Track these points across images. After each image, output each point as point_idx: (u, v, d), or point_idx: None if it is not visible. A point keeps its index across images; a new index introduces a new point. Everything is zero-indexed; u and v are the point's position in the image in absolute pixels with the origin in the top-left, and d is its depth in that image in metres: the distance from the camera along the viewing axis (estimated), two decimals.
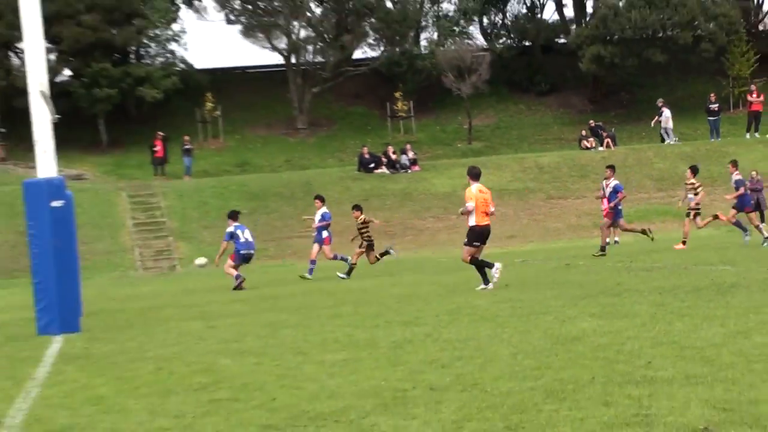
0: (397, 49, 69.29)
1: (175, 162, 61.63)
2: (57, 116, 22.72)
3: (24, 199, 22.08)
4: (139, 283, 40.15)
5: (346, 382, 11.44)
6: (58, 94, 49.73)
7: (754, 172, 48.73)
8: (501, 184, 54.00)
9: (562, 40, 73.01)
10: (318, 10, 69.86)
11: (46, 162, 21.95)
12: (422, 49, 71.61)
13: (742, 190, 31.53)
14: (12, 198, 48.06)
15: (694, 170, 35.22)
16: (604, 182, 34.65)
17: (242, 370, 13.19)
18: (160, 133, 61.43)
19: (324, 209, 35.92)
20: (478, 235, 25.01)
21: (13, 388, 13.09)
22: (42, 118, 21.96)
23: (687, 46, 63.86)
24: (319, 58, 69.79)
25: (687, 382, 9.68)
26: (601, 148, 59.35)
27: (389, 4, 71.67)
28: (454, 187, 52.55)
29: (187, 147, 61.47)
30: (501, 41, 74.61)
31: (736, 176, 32.82)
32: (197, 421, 9.71)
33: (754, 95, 59.72)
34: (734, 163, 32.94)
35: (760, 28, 73.75)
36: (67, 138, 52.01)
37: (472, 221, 24.95)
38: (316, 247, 35.32)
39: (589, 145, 60.21)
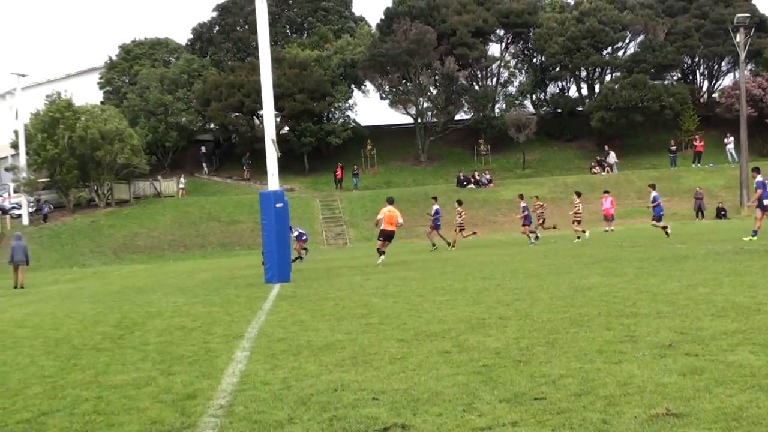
0: (481, 114, 71.49)
1: (347, 181, 64.31)
2: (280, 153, 24.45)
3: (259, 202, 23.13)
4: (325, 253, 41.72)
5: (448, 314, 11.83)
6: (280, 142, 54.86)
7: (698, 187, 52.20)
8: (543, 194, 53.88)
9: (580, 108, 73.91)
10: (434, 91, 70.98)
11: (273, 181, 23.27)
12: (496, 114, 73.44)
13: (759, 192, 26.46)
14: (252, 201, 51.65)
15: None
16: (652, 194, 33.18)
17: (386, 306, 13.59)
18: (340, 164, 64.60)
19: (437, 206, 37.22)
20: (384, 235, 27.86)
21: (250, 315, 13.72)
22: (271, 155, 23.44)
23: (656, 111, 66.26)
24: (434, 119, 71.42)
25: (658, 316, 10.02)
26: (603, 173, 62.03)
27: (477, 88, 73.74)
28: (513, 197, 52.28)
29: (355, 172, 64.47)
30: (543, 109, 76.60)
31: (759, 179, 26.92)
32: (359, 336, 10.19)
33: (697, 141, 62.56)
34: (757, 170, 28.30)
35: (701, 100, 74.40)
36: (285, 167, 53.01)
37: (382, 226, 27.71)
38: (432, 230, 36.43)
39: (596, 171, 62.88)
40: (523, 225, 36.29)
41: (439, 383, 7.14)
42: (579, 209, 36.62)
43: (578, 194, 37.83)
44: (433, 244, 36.67)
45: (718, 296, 11.70)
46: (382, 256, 27.34)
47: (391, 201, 29.59)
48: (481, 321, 10.89)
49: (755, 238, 25.40)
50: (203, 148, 72.32)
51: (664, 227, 32.76)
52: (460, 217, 37.12)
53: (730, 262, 17.56)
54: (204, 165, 71.98)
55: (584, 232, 35.93)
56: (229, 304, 16.00)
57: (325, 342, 10.01)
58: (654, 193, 34.45)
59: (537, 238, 36.41)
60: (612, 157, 64.47)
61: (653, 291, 12.93)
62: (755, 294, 11.68)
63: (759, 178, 27.10)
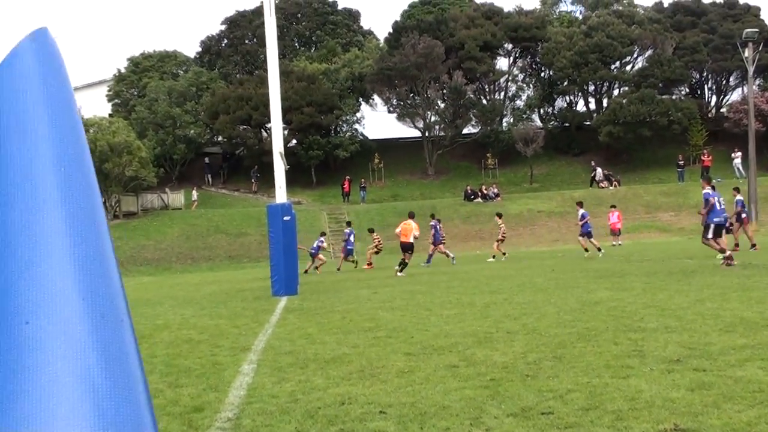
0: (489, 128, 71.60)
1: (354, 194, 64.33)
2: (287, 167, 24.44)
3: (267, 215, 23.09)
4: (331, 266, 40.98)
5: (456, 327, 11.85)
6: (288, 155, 54.07)
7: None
8: (550, 208, 57.04)
9: (588, 123, 74.19)
10: (442, 105, 71.36)
11: (280, 193, 23.23)
12: (504, 127, 73.32)
13: None
14: (260, 214, 50.18)
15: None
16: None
17: (393, 319, 13.62)
18: (348, 177, 64.36)
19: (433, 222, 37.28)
20: (401, 247, 29.56)
21: (257, 328, 13.70)
22: (279, 168, 23.42)
23: (664, 126, 66.22)
24: (442, 133, 71.85)
25: (665, 331, 10.03)
26: (611, 188, 61.51)
27: (484, 101, 74.23)
28: (521, 210, 55.89)
29: (363, 185, 64.65)
30: (551, 123, 76.42)
31: None
32: (366, 349, 10.21)
33: (705, 156, 62.15)
34: (737, 189, 29.08)
35: (709, 115, 74.53)
36: (292, 180, 53.10)
37: (403, 240, 29.05)
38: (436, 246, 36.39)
39: (604, 186, 62.51)
40: (580, 235, 35.73)
41: (446, 397, 7.14)
42: (503, 230, 37.18)
43: (499, 215, 38.22)
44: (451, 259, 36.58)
45: (726, 311, 11.70)
46: (401, 267, 28.26)
47: (411, 216, 30.97)
48: (488, 335, 10.92)
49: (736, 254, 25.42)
50: (207, 159, 72.60)
51: (596, 246, 33.36)
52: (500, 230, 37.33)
53: (738, 277, 17.54)
54: (207, 176, 72.22)
55: (504, 254, 36.15)
56: (236, 317, 16.05)
57: (333, 355, 10.03)
58: (581, 211, 35.14)
59: (499, 256, 36.56)
60: (599, 174, 64.45)
61: (661, 306, 12.94)
62: (763, 309, 11.67)
63: (738, 197, 28.16)
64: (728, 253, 21.95)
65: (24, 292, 2.19)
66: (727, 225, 25.66)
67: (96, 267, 2.30)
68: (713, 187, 23.90)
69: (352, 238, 38.74)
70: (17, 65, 2.47)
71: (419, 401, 7.06)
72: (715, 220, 22.47)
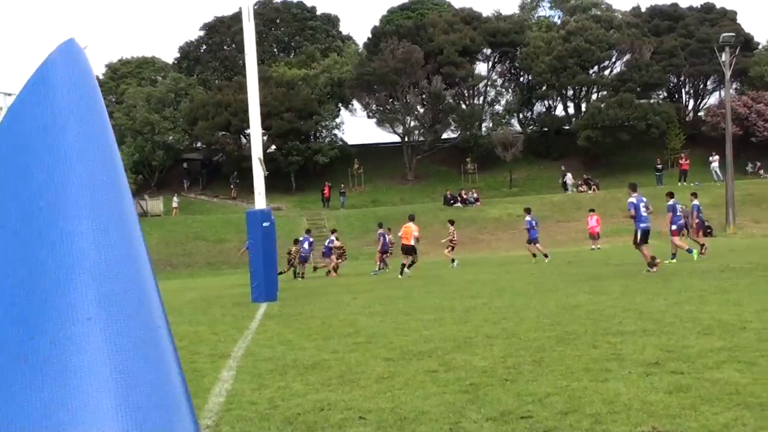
0: (468, 133, 71.92)
1: (334, 200, 64.23)
2: (266, 173, 24.19)
3: (246, 221, 23.08)
4: (311, 272, 40.63)
5: (435, 332, 11.84)
6: (267, 160, 54.75)
7: (684, 206, 56.11)
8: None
9: (567, 127, 74.44)
10: (421, 110, 71.65)
11: (260, 200, 23.15)
12: (483, 132, 73.80)
13: None
14: (239, 221, 47.65)
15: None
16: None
17: (372, 324, 13.60)
18: (328, 183, 64.25)
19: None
20: (402, 249, 30.82)
21: (236, 334, 13.68)
22: (258, 174, 23.27)
23: (642, 130, 66.53)
24: (422, 138, 72.13)
25: (644, 334, 10.07)
26: (590, 192, 61.63)
27: (463, 106, 74.20)
28: (500, 215, 55.81)
29: (342, 191, 64.57)
30: (530, 127, 76.70)
31: None
32: (346, 355, 10.21)
33: (683, 159, 62.15)
34: (670, 194, 29.16)
35: (687, 119, 74.93)
36: (272, 186, 50.11)
37: (404, 242, 30.20)
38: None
39: (583, 190, 62.67)
40: (528, 242, 36.13)
41: (425, 402, 7.14)
42: (453, 237, 37.51)
43: (452, 222, 38.57)
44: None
45: (703, 314, 11.75)
46: (406, 270, 29.42)
47: (411, 218, 31.60)
48: (467, 340, 10.92)
49: (674, 261, 26.44)
50: (185, 165, 72.53)
51: (541, 253, 33.93)
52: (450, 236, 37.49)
53: (716, 280, 17.65)
54: (184, 182, 72.09)
55: (453, 261, 36.02)
56: (215, 324, 15.99)
57: (312, 361, 10.01)
58: (528, 218, 35.59)
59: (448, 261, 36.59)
60: (569, 178, 64.76)
61: (639, 309, 12.99)
62: (741, 312, 11.72)
63: (670, 201, 28.29)
64: (657, 260, 22.45)
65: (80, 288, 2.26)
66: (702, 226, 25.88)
67: (126, 270, 2.38)
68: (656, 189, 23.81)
69: (332, 242, 38.51)
70: (48, 78, 2.54)
71: (398, 406, 7.05)
72: (641, 226, 22.70)
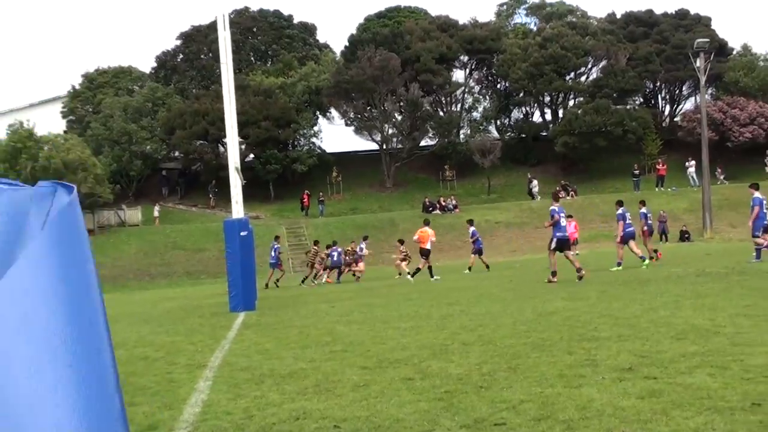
0: (446, 140, 71.95)
1: (313, 208, 64.23)
2: (244, 182, 24.67)
3: (224, 231, 22.79)
4: (291, 280, 41.33)
5: (412, 340, 11.86)
6: (245, 169, 52.33)
7: (661, 211, 51.92)
8: (508, 219, 57.32)
9: (544, 133, 74.99)
10: (399, 117, 71.96)
11: (237, 209, 23.20)
12: (461, 139, 74.03)
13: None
14: (218, 230, 46.66)
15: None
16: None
17: (350, 333, 13.61)
18: (306, 191, 64.50)
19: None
20: (420, 252, 31.79)
21: (214, 344, 13.65)
22: (235, 183, 23.32)
23: (619, 136, 66.97)
24: (400, 146, 72.46)
25: (619, 340, 10.10)
26: (568, 198, 60.73)
27: (441, 113, 74.65)
28: (479, 221, 52.45)
29: (321, 199, 64.67)
30: (508, 134, 76.84)
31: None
32: (323, 364, 10.21)
33: (660, 165, 63.06)
34: (620, 203, 29.07)
35: (663, 125, 75.62)
36: (250, 194, 53.64)
37: (422, 246, 30.97)
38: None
39: (561, 196, 64.17)
40: (473, 252, 36.84)
41: (400, 410, 7.15)
42: (407, 252, 37.27)
43: (401, 242, 38.25)
44: (399, 273, 36.85)
45: (678, 319, 11.81)
46: (408, 277, 31.00)
47: (427, 223, 32.95)
48: (444, 347, 10.94)
49: (620, 268, 26.76)
50: (164, 172, 72.46)
51: (484, 263, 34.83)
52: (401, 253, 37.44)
53: (692, 285, 17.76)
54: (164, 190, 71.94)
55: (409, 274, 35.31)
56: (193, 334, 15.96)
57: (289, 370, 10.01)
58: (472, 228, 36.59)
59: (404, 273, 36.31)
60: (535, 185, 65.23)
61: (615, 314, 13.04)
62: (715, 316, 11.79)
63: (620, 210, 28.71)
64: (555, 279, 22.98)
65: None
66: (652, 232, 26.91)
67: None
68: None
69: (335, 255, 38.53)
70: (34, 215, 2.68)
71: (374, 415, 7.06)
72: (558, 235, 23.14)
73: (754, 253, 25.54)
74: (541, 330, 11.91)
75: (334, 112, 75.34)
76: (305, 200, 64.67)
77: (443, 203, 62.14)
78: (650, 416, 6.16)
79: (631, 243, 27.83)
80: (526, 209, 59.69)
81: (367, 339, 12.61)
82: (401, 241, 38.13)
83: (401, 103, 71.17)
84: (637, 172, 64.59)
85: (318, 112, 75.80)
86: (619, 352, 9.22)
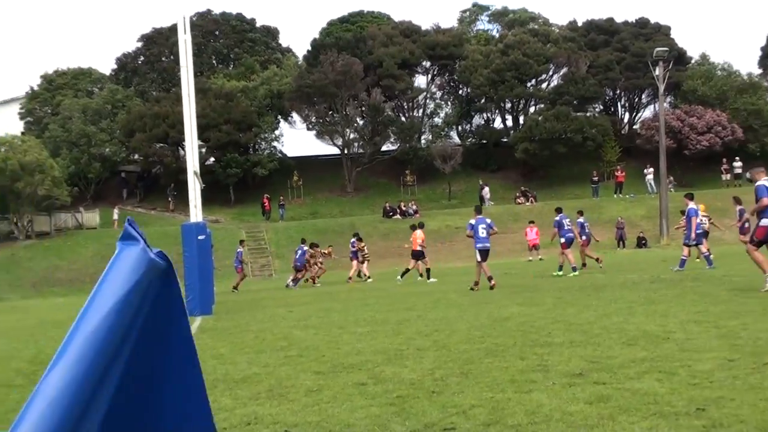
0: (407, 145, 72.26)
1: (274, 212, 64.16)
2: (203, 186, 24.80)
3: (182, 234, 23.10)
4: (250, 284, 41.87)
5: (367, 345, 11.90)
6: (206, 173, 52.27)
7: (619, 217, 53.25)
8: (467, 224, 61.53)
9: (505, 140, 75.27)
10: (361, 122, 72.20)
11: (195, 212, 23.30)
12: (422, 144, 74.38)
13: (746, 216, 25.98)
14: (176, 234, 46.13)
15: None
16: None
17: (306, 337, 13.66)
18: (267, 195, 64.24)
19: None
20: (413, 254, 32.75)
21: None
22: (194, 187, 23.42)
23: (579, 143, 67.58)
24: (361, 150, 72.42)
25: (571, 345, 10.19)
26: (528, 204, 62.32)
27: (403, 119, 74.85)
28: (440, 227, 56.05)
29: (282, 203, 64.57)
30: (469, 140, 77.25)
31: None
32: (277, 369, 10.22)
33: (619, 172, 63.70)
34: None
35: (622, 132, 76.51)
36: (210, 198, 56.02)
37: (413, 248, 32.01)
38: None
39: (521, 202, 63.43)
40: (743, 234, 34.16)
41: (352, 415, 7.18)
42: (366, 252, 38.57)
43: (359, 238, 39.07)
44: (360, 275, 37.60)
45: (630, 325, 11.93)
46: (399, 278, 32.08)
47: (420, 226, 34.14)
48: (399, 352, 10.99)
49: (577, 273, 27.53)
50: (123, 174, 72.18)
51: (407, 271, 34.90)
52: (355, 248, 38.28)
53: (646, 291, 17.95)
54: (123, 191, 71.71)
55: (369, 277, 37.19)
56: None
57: (242, 375, 10.01)
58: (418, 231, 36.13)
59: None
60: (486, 192, 65.44)
61: (569, 320, 13.16)
62: (666, 323, 11.93)
63: (557, 217, 29.62)
64: (478, 288, 23.70)
65: None
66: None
67: None
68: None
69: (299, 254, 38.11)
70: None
71: (325, 420, 7.08)
72: (478, 246, 24.11)
73: (683, 261, 26.45)
74: (495, 335, 11.97)
75: (295, 117, 75.24)
76: (266, 204, 64.46)
77: (404, 208, 62.20)
78: (597, 421, 6.22)
79: (567, 249, 28.62)
80: (485, 215, 58.80)
81: (322, 344, 12.62)
82: (358, 237, 38.82)
83: (363, 108, 71.22)
84: (596, 178, 65.03)
85: (279, 116, 75.66)
86: (571, 358, 9.29)
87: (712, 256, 27.01)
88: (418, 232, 33.02)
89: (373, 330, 14.17)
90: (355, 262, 38.09)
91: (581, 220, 31.64)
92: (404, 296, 23.09)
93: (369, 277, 37.17)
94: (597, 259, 30.79)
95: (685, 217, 28.17)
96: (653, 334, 10.79)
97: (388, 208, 61.92)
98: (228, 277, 39.26)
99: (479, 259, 24.32)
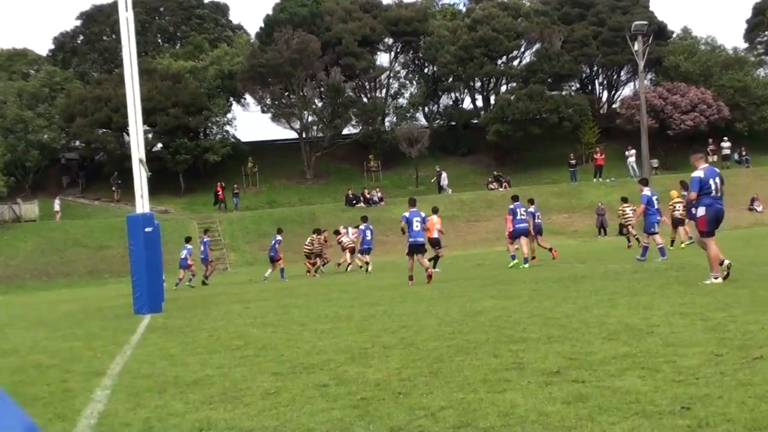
0: (370, 128, 72.56)
1: (228, 201, 63.96)
2: (149, 174, 24.70)
3: (127, 226, 22.82)
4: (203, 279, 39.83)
5: (329, 344, 11.90)
6: (153, 160, 52.32)
7: (600, 203, 53.20)
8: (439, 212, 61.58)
9: (475, 121, 75.47)
10: (320, 104, 72.31)
11: (142, 203, 23.29)
12: (386, 127, 74.72)
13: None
14: (122, 225, 45.48)
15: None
16: None
17: (263, 336, 13.66)
18: (220, 183, 64.11)
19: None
20: (430, 242, 31.07)
21: (115, 349, 13.61)
22: (140, 175, 23.41)
23: (554, 123, 67.83)
24: (321, 134, 72.61)
25: (548, 341, 10.21)
26: (501, 189, 62.24)
27: (365, 100, 74.87)
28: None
29: (236, 191, 64.37)
30: (436, 122, 77.99)
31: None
32: (231, 370, 10.23)
33: (598, 154, 63.72)
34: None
35: (601, 111, 76.96)
36: (158, 187, 55.41)
37: (429, 236, 30.22)
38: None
39: (493, 187, 63.47)
40: (360, 252, 37.79)
41: (312, 419, 7.15)
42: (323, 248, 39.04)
43: (318, 230, 40.18)
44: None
45: (611, 318, 11.97)
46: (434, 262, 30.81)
47: (435, 211, 33.67)
48: (363, 351, 11.00)
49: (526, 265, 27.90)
50: (63, 160, 71.88)
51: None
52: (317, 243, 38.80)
53: (629, 282, 18.03)
54: (64, 179, 71.47)
55: (361, 266, 37.60)
56: (92, 338, 15.83)
57: (194, 377, 9.98)
58: (362, 226, 38.13)
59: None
60: (444, 179, 65.86)
61: (546, 314, 13.19)
62: (650, 315, 11.97)
63: (511, 205, 30.25)
64: (412, 283, 24.13)
65: None
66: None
67: None
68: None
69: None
70: None
71: (283, 424, 7.05)
72: (410, 240, 24.49)
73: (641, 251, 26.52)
74: (466, 331, 11.98)
75: (249, 99, 75.30)
76: (219, 193, 64.44)
77: (368, 195, 62.38)
78: (575, 422, 6.22)
79: (522, 240, 28.92)
80: (456, 201, 60.22)
81: (281, 342, 12.63)
82: (318, 231, 39.52)
83: (322, 89, 71.30)
84: (573, 162, 65.38)
85: (232, 99, 75.60)
86: (548, 355, 9.30)
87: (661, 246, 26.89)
88: (435, 218, 32.79)
89: (336, 327, 14.18)
90: (347, 253, 39.02)
91: (532, 209, 31.67)
92: (369, 290, 23.12)
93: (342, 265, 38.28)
94: (550, 249, 31.16)
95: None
96: (636, 328, 10.81)
97: (350, 195, 61.92)
98: (177, 271, 38.68)
99: (407, 252, 24.86)
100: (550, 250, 31.15)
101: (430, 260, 30.90)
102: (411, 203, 25.82)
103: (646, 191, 26.94)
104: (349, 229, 40.82)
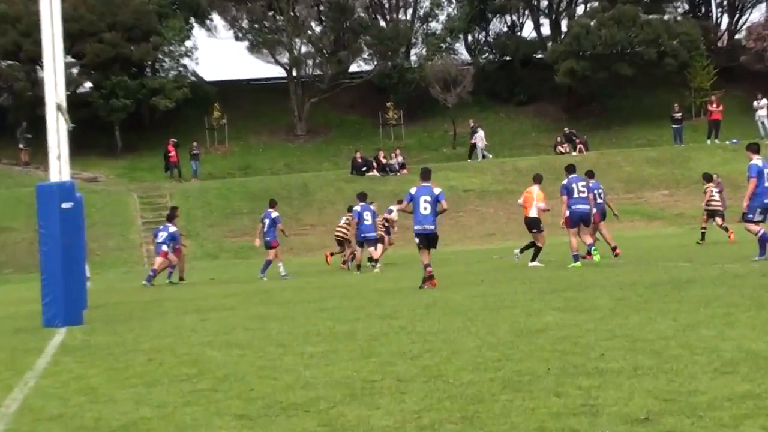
0: (389, 63, 72.70)
1: (184, 166, 64.03)
2: (72, 125, 24.56)
3: (37, 201, 22.55)
4: (142, 277, 39.63)
5: (320, 373, 11.90)
6: (78, 105, 50.09)
7: (715, 175, 49.86)
8: (482, 186, 57.84)
9: (539, 55, 76.38)
10: (318, 28, 72.87)
11: (59, 167, 23.14)
12: (412, 63, 75.02)
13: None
14: (31, 199, 44.22)
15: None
16: None
17: (226, 361, 13.70)
18: (173, 140, 63.57)
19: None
20: (527, 223, 31.97)
21: (12, 378, 13.49)
22: (57, 127, 23.27)
23: (652, 61, 67.77)
24: (318, 72, 72.95)
25: (634, 374, 10.16)
26: (574, 153, 61.91)
27: (383, 23, 75.55)
28: (442, 188, 59.61)
29: (194, 152, 64.05)
30: (484, 56, 78.45)
31: None
32: (178, 410, 10.14)
33: (714, 105, 63.04)
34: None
35: (719, 44, 76.91)
36: (84, 144, 55.52)
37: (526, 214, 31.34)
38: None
39: (563, 151, 63.33)
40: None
41: None
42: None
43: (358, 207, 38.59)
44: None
45: (726, 342, 11.82)
46: (534, 252, 30.99)
47: (536, 180, 32.79)
48: (368, 385, 10.90)
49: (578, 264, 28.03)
50: None
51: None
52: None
53: (754, 288, 17.85)
54: None
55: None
56: None
57: (124, 421, 9.85)
58: (357, 208, 36.75)
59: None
60: (480, 138, 65.37)
61: (633, 335, 13.05)
62: None
63: (565, 181, 30.39)
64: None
65: None
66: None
67: None
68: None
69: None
70: None
71: None
72: (416, 227, 24.97)
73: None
74: (518, 359, 11.90)
75: (217, 20, 75.78)
76: (171, 154, 64.16)
77: (384, 160, 62.39)
78: None
79: (582, 228, 29.27)
80: (511, 169, 60.50)
81: (251, 371, 12.58)
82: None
83: (320, 7, 71.72)
84: (678, 115, 65.13)
85: (193, 19, 75.70)
86: (633, 394, 9.17)
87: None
88: (535, 189, 32.13)
89: (331, 349, 14.11)
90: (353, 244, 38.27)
91: (592, 184, 31.89)
92: (382, 296, 23.05)
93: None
94: (614, 248, 31.22)
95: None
96: (762, 357, 10.68)
97: (359, 159, 61.79)
98: (113, 266, 38.77)
99: (418, 243, 25.12)
100: (614, 249, 31.19)
101: (523, 250, 32.06)
102: (423, 175, 26.03)
103: (756, 160, 26.55)
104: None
